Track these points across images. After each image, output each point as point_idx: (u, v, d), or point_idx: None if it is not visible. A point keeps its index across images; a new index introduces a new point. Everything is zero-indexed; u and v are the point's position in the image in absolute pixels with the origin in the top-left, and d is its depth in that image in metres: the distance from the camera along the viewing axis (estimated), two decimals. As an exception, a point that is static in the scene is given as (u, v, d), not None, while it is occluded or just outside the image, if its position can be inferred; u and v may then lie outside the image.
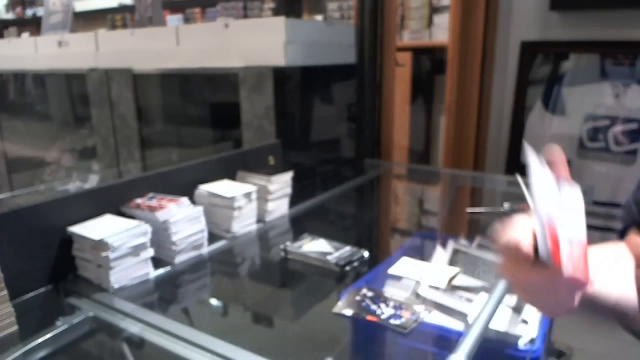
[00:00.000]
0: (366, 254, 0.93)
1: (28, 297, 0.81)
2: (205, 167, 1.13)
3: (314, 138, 1.59)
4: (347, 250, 0.93)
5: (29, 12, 5.29)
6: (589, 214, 0.72)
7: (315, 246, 0.96)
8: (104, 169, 1.98)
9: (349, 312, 0.73)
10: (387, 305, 0.74)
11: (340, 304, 0.76)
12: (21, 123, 2.51)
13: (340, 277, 0.87)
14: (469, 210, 1.30)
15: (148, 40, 1.73)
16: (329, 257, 0.90)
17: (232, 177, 1.18)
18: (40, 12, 4.97)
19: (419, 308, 0.74)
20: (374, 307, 0.74)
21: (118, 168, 1.90)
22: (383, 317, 0.71)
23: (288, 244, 0.97)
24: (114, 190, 0.95)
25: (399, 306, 0.74)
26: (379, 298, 0.77)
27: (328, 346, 0.71)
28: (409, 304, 0.75)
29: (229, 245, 1.04)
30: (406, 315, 0.72)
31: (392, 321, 0.70)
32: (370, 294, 0.78)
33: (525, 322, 0.71)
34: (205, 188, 1.06)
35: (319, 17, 3.47)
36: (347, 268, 0.89)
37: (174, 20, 4.04)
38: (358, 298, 0.77)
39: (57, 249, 0.84)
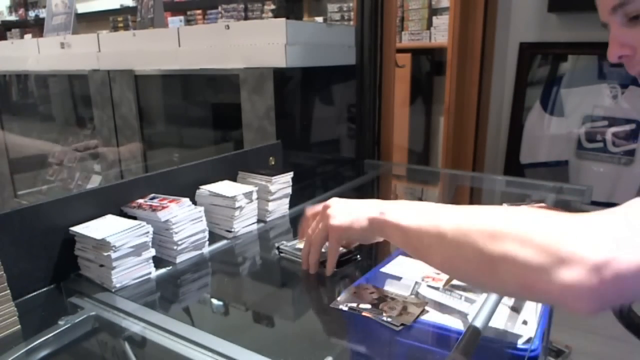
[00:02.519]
0: (358, 256, 0.94)
1: (30, 297, 0.81)
2: (206, 168, 1.14)
3: (314, 138, 1.60)
4: (340, 251, 0.94)
5: (32, 14, 5.32)
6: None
7: None
8: (105, 169, 1.99)
9: (345, 308, 0.74)
10: (386, 303, 0.75)
11: (339, 299, 0.77)
12: (23, 123, 2.52)
13: (331, 279, 0.88)
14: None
15: (149, 42, 1.74)
16: (320, 259, 0.91)
17: (233, 178, 1.18)
18: (42, 13, 4.99)
19: (418, 306, 0.74)
20: (372, 304, 0.75)
21: (120, 168, 1.90)
22: (379, 313, 0.72)
23: (284, 242, 0.98)
24: (116, 190, 0.95)
25: (397, 304, 0.75)
26: (378, 295, 0.78)
27: (326, 343, 0.72)
28: (408, 302, 0.76)
29: (229, 245, 1.04)
30: (404, 313, 0.73)
31: (386, 318, 0.71)
32: (369, 292, 0.79)
33: (524, 321, 0.71)
34: (206, 188, 1.07)
35: (319, 19, 3.49)
36: (337, 268, 0.89)
37: (175, 21, 4.06)
38: (357, 295, 0.78)
39: (59, 249, 0.85)
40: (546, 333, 0.98)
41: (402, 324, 0.70)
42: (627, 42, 0.62)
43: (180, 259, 0.94)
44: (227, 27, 1.48)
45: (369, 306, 0.74)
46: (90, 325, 0.75)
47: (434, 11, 2.98)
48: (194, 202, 1.04)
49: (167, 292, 0.87)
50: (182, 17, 4.09)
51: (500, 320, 0.71)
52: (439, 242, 0.59)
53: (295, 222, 1.20)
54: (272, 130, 1.38)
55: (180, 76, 1.69)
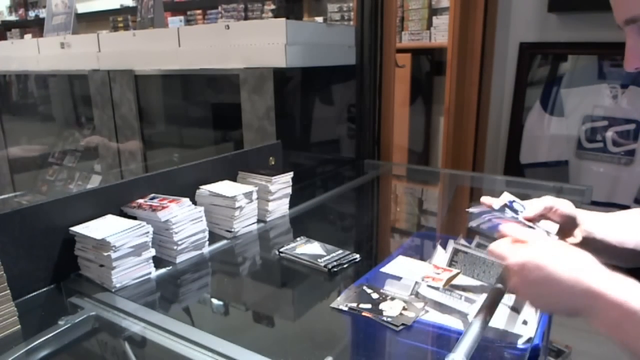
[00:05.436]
0: (357, 257, 0.94)
1: (30, 297, 0.81)
2: (206, 168, 1.14)
3: (314, 138, 1.60)
4: (338, 253, 0.95)
5: (32, 14, 5.31)
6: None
7: (308, 249, 0.97)
8: (105, 169, 1.99)
9: (345, 308, 0.74)
10: (386, 303, 0.75)
11: (338, 299, 0.77)
12: (24, 123, 2.52)
13: (330, 279, 0.88)
14: (468, 210, 1.31)
15: (149, 42, 1.74)
16: (319, 260, 0.91)
17: (233, 178, 1.18)
18: (42, 13, 4.98)
19: (418, 306, 0.74)
20: (371, 304, 0.75)
21: (120, 168, 1.90)
22: (379, 313, 0.72)
23: (284, 246, 0.99)
24: (116, 190, 0.95)
25: (397, 304, 0.75)
26: (378, 295, 0.78)
27: (326, 343, 0.72)
28: (408, 302, 0.76)
29: (229, 245, 1.05)
30: (403, 313, 0.73)
31: (385, 318, 0.71)
32: (369, 291, 0.79)
33: (524, 321, 0.71)
34: (206, 188, 1.07)
35: (319, 19, 3.48)
36: (336, 269, 0.90)
37: (175, 21, 4.05)
38: (357, 295, 0.78)
39: (60, 249, 0.85)
40: (546, 333, 0.98)
41: (402, 324, 0.70)
42: None
43: (180, 259, 0.94)
44: (227, 27, 1.48)
45: (369, 306, 0.74)
46: (90, 325, 0.75)
47: (434, 11, 2.98)
48: (194, 202, 1.04)
49: (167, 292, 0.87)
50: (182, 17, 4.09)
51: (500, 320, 0.71)
52: None
53: (295, 222, 1.20)
54: (272, 130, 1.38)
55: (180, 76, 1.69)
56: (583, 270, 0.57)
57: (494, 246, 0.67)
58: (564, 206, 0.78)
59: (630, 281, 0.54)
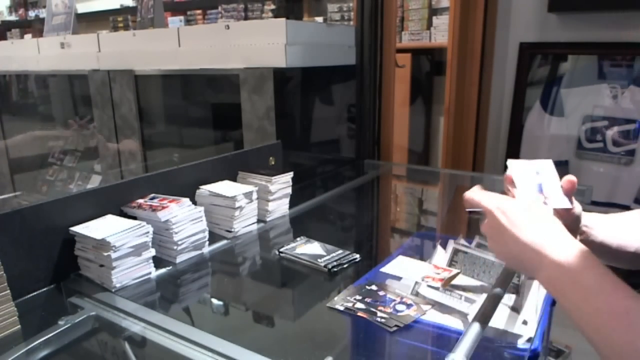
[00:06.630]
0: (357, 257, 0.94)
1: (30, 297, 0.82)
2: (206, 168, 1.14)
3: (314, 139, 1.60)
4: (339, 253, 0.95)
5: (32, 14, 5.32)
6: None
7: (308, 249, 0.97)
8: (105, 169, 1.99)
9: (342, 308, 0.74)
10: (384, 304, 0.75)
11: (335, 298, 0.77)
12: (24, 123, 2.52)
13: (330, 279, 0.88)
14: (468, 210, 1.31)
15: (149, 42, 1.74)
16: (319, 260, 0.91)
17: (233, 178, 1.18)
18: (42, 13, 4.99)
19: (417, 307, 0.74)
20: (368, 305, 0.75)
21: (120, 168, 1.90)
22: (374, 314, 0.72)
23: (284, 246, 0.99)
24: (116, 190, 0.96)
25: (395, 305, 0.75)
26: (377, 296, 0.78)
27: (326, 343, 0.72)
28: (407, 302, 0.76)
29: (229, 245, 1.05)
30: (401, 313, 0.72)
31: (379, 318, 0.71)
32: (368, 292, 0.79)
33: (524, 321, 0.71)
34: (206, 188, 1.07)
35: (319, 19, 3.49)
36: (336, 269, 0.90)
37: (175, 21, 4.06)
38: (357, 295, 0.78)
39: (60, 249, 0.85)
40: (546, 333, 0.98)
41: (395, 325, 0.70)
42: None
43: (180, 259, 0.94)
44: (227, 27, 1.48)
45: (363, 306, 0.74)
46: (90, 325, 0.75)
47: (434, 11, 2.98)
48: (194, 202, 1.04)
49: (167, 292, 0.87)
50: (182, 17, 4.10)
51: (500, 320, 0.71)
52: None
53: (295, 222, 1.20)
54: (272, 130, 1.38)
55: (180, 76, 1.69)
56: (540, 230, 0.61)
57: (469, 194, 0.71)
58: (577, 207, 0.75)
59: (578, 248, 0.58)
